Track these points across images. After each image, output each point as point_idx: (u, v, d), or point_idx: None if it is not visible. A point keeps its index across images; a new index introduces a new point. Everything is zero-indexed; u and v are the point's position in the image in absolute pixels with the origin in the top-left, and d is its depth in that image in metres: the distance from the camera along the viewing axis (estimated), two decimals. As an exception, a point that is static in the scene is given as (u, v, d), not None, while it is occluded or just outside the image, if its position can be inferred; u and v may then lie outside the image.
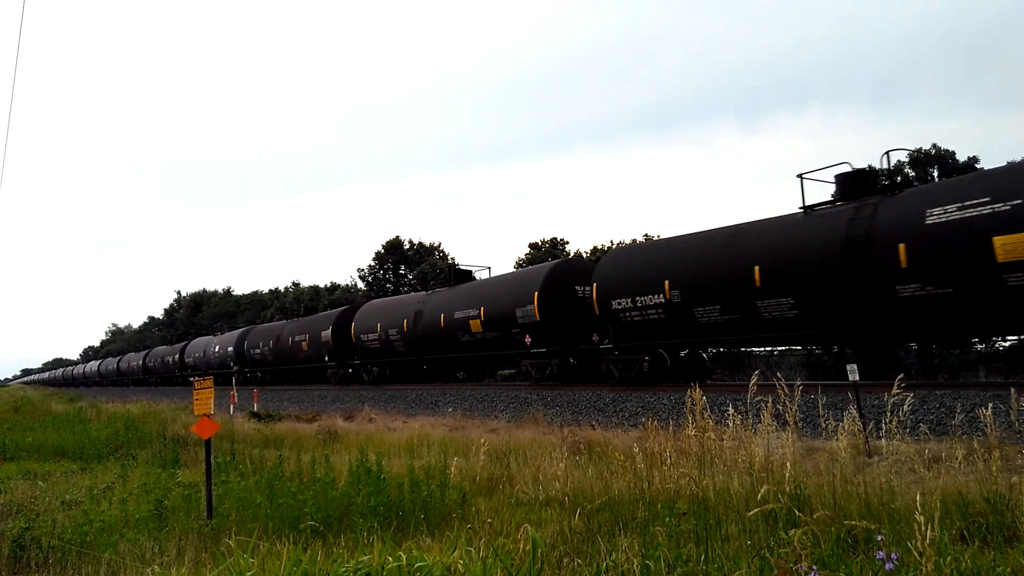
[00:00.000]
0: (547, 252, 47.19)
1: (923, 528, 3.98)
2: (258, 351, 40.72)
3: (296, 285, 69.71)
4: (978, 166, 32.30)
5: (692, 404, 7.02)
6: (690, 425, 7.05)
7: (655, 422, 8.60)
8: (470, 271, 28.14)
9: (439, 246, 57.86)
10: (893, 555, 3.68)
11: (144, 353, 66.26)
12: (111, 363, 79.35)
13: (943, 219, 12.16)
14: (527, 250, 49.50)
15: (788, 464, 6.34)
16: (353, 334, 30.66)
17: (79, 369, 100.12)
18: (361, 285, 58.22)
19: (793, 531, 4.36)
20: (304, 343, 34.98)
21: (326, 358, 33.21)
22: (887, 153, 16.30)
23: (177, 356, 54.88)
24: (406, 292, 47.27)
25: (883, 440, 6.95)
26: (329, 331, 32.69)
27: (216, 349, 47.14)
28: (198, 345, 52.77)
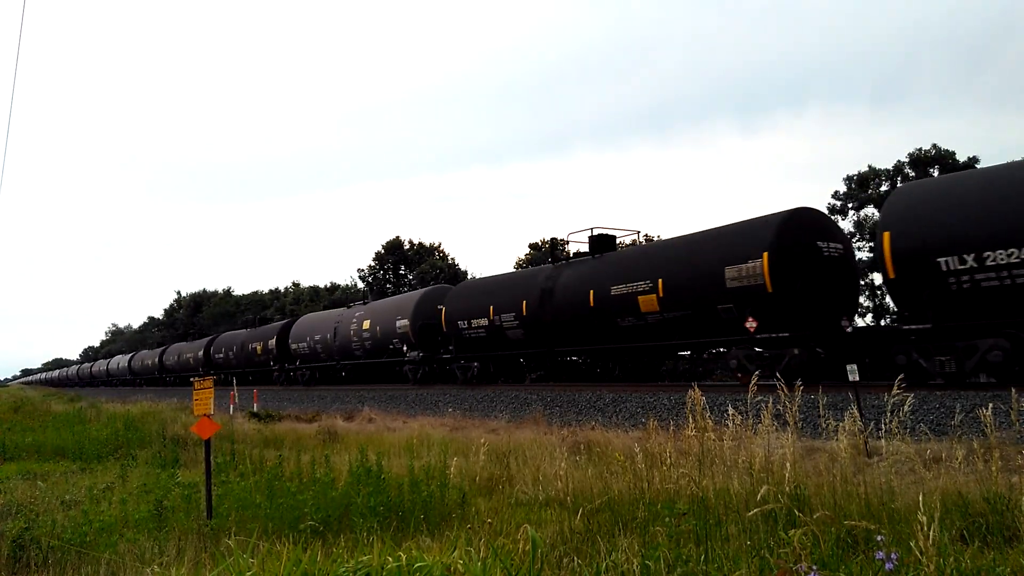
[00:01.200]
0: (547, 252, 47.19)
1: (925, 528, 3.98)
2: (468, 326, 23.50)
3: (296, 285, 69.72)
4: (978, 166, 32.31)
5: (692, 404, 7.02)
6: (690, 425, 7.05)
7: (656, 422, 8.61)
8: (613, 237, 21.29)
9: (439, 246, 57.86)
10: (893, 555, 3.68)
11: (207, 342, 49.40)
12: (148, 357, 62.93)
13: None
14: (527, 250, 49.50)
15: (788, 464, 6.34)
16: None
17: (99, 366, 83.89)
18: (361, 285, 58.23)
19: (793, 531, 4.36)
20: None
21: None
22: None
23: (272, 343, 37.51)
24: (406, 292, 45.86)
25: (883, 440, 6.95)
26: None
27: (361, 328, 29.20)
28: (313, 324, 34.59)
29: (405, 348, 26.70)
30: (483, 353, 23.38)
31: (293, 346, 35.66)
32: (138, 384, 63.40)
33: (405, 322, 26.62)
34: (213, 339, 49.25)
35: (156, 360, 58.70)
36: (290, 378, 36.76)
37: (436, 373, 26.17)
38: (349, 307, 33.29)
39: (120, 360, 73.59)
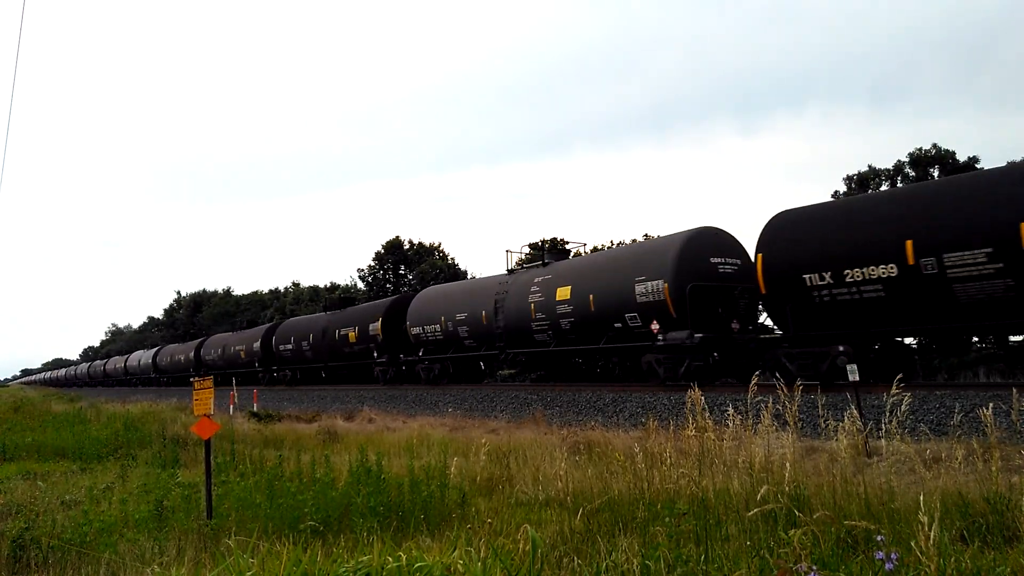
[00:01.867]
0: (547, 252, 47.17)
1: (927, 529, 3.98)
2: (835, 281, 13.87)
3: (296, 285, 69.77)
4: (978, 166, 32.32)
5: (692, 404, 7.03)
6: (690, 425, 7.05)
7: (655, 422, 8.61)
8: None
9: (439, 246, 57.88)
10: (893, 555, 3.68)
11: (265, 330, 38.47)
12: (180, 352, 51.44)
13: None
14: (527, 250, 49.53)
15: (788, 464, 6.34)
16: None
17: (115, 364, 73.03)
18: (361, 285, 58.23)
19: (793, 531, 4.36)
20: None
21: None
22: None
23: (374, 328, 27.99)
24: (406, 291, 40.02)
25: (883, 440, 6.95)
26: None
27: (552, 299, 20.15)
28: (450, 299, 25.22)
29: (655, 327, 17.04)
30: (869, 328, 14.05)
31: (415, 331, 25.61)
32: (164, 383, 54.09)
33: (655, 284, 16.95)
34: (275, 326, 38.26)
35: (191, 355, 48.36)
36: (403, 375, 27.46)
37: (720, 366, 17.51)
38: (513, 272, 23.47)
39: (142, 356, 63.10)
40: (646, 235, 41.61)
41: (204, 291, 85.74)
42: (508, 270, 24.38)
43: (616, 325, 18.30)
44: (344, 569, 4.34)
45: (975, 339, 14.69)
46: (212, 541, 6.26)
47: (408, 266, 55.86)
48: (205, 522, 6.74)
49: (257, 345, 38.06)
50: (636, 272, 17.76)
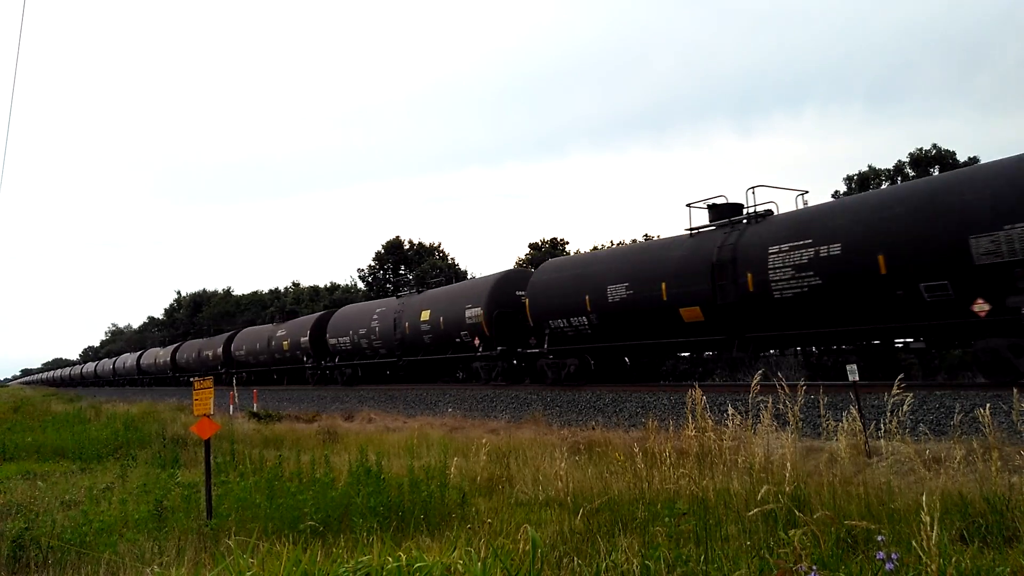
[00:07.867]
0: (547, 252, 47.23)
1: (927, 529, 3.98)
2: None
3: (296, 285, 69.72)
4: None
5: (692, 404, 7.03)
6: (690, 425, 7.06)
7: (655, 422, 8.61)
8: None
9: (439, 246, 57.91)
10: (893, 555, 3.68)
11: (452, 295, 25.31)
12: (300, 331, 34.85)
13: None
14: (527, 250, 49.53)
15: (788, 464, 6.34)
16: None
17: (169, 357, 54.64)
18: (361, 285, 58.22)
19: (793, 531, 4.36)
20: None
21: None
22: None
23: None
24: (405, 291, 41.11)
25: (883, 440, 6.96)
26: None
27: None
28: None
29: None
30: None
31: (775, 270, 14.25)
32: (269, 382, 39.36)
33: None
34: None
35: (306, 339, 34.06)
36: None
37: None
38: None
39: (204, 346, 48.44)
40: (646, 235, 41.58)
41: (204, 291, 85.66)
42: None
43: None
44: (344, 569, 4.33)
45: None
46: (212, 541, 6.25)
47: (408, 266, 55.87)
48: (205, 522, 6.73)
49: (467, 319, 24.49)
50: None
